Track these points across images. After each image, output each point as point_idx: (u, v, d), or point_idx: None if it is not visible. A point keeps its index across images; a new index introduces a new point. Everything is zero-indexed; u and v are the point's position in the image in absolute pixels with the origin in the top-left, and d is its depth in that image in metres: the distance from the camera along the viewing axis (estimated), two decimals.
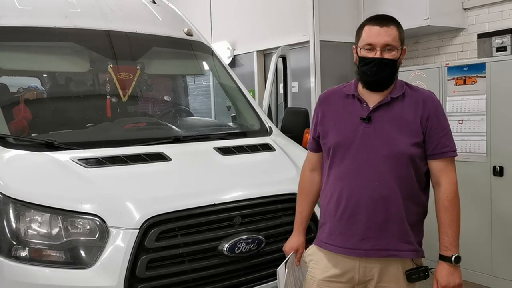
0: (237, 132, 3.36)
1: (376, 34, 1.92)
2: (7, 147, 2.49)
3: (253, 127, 3.46)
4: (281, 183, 2.67)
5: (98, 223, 2.15)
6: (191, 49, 3.84)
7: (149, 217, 2.17)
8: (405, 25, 4.90)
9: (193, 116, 3.95)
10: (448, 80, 4.31)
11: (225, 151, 2.82)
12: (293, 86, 5.45)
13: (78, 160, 2.43)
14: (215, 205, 2.35)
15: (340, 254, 2.00)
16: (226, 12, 6.40)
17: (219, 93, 3.86)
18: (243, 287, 2.37)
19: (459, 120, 4.23)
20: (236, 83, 3.85)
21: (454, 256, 1.92)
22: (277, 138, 3.29)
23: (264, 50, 5.93)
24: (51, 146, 2.55)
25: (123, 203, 2.21)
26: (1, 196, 2.22)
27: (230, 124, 3.62)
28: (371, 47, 1.94)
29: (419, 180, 1.98)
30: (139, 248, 2.13)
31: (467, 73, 4.17)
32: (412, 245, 1.97)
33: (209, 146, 2.86)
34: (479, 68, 4.10)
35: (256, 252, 2.39)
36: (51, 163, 2.41)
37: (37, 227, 2.17)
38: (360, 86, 2.03)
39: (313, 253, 2.12)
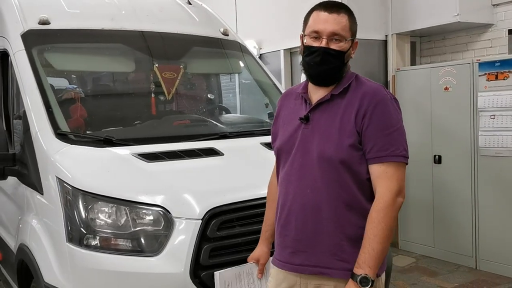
0: None
1: (323, 21, 1.74)
2: (70, 143, 2.63)
3: None
4: None
5: (163, 213, 2.27)
6: (228, 48, 3.97)
7: (210, 208, 2.29)
8: (434, 22, 5.02)
9: (233, 113, 4.08)
10: (480, 75, 4.37)
11: (271, 146, 2.93)
12: None
13: (138, 155, 2.57)
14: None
15: (276, 268, 1.87)
16: (252, 11, 6.50)
17: (257, 90, 3.97)
18: None
19: (491, 116, 4.29)
20: (273, 80, 3.97)
21: (360, 277, 1.64)
22: None
23: (290, 49, 6.02)
24: (109, 142, 2.69)
25: (185, 195, 2.34)
26: (70, 188, 2.37)
27: (269, 120, 3.73)
28: (317, 35, 1.74)
29: (361, 188, 1.73)
30: (202, 237, 2.25)
31: (499, 68, 4.23)
32: (349, 263, 1.70)
33: (256, 141, 2.99)
34: (511, 63, 4.16)
35: None
36: (114, 157, 2.56)
37: (105, 217, 2.31)
38: (310, 83, 1.86)
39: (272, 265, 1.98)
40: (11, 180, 2.95)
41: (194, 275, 2.21)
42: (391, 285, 3.86)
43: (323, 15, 1.75)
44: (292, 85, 6.00)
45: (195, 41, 3.77)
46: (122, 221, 2.29)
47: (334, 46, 1.73)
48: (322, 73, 1.77)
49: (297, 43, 5.84)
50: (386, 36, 5.45)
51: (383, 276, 1.83)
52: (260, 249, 2.12)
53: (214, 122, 3.39)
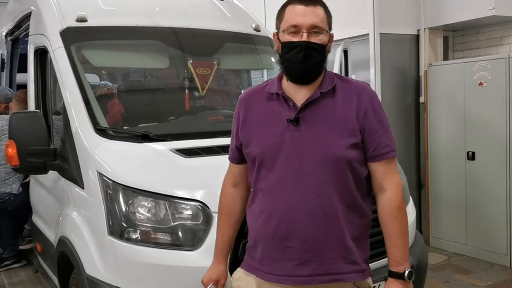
0: None
1: (301, 14, 1.65)
2: (109, 139, 2.69)
3: None
4: None
5: (202, 208, 2.30)
6: (260, 44, 3.98)
7: None
8: (468, 16, 4.92)
9: None
10: None
11: None
12: None
13: (176, 150, 2.60)
14: None
15: (273, 283, 1.72)
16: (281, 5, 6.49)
17: None
18: None
19: None
20: None
21: (407, 272, 1.66)
22: None
23: None
24: (146, 138, 2.74)
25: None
26: (111, 182, 2.42)
27: None
28: (296, 29, 1.65)
29: (359, 187, 1.71)
30: (240, 233, 2.26)
31: None
32: (358, 265, 1.70)
33: None
34: None
35: None
36: (153, 153, 2.60)
37: (145, 211, 2.35)
38: (284, 82, 1.74)
39: (240, 278, 1.86)
40: (51, 174, 3.03)
41: (232, 269, 2.23)
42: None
43: (299, 8, 1.66)
44: None
45: (228, 37, 3.79)
46: (162, 215, 2.33)
47: (315, 39, 1.66)
48: (306, 69, 1.67)
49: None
50: (418, 30, 5.37)
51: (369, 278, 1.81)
52: (218, 269, 1.94)
53: None
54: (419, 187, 5.45)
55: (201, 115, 3.32)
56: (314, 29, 1.66)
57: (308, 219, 1.65)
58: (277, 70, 4.24)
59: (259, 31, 4.02)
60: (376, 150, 1.69)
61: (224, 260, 1.95)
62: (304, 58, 1.65)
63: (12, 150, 2.78)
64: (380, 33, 5.19)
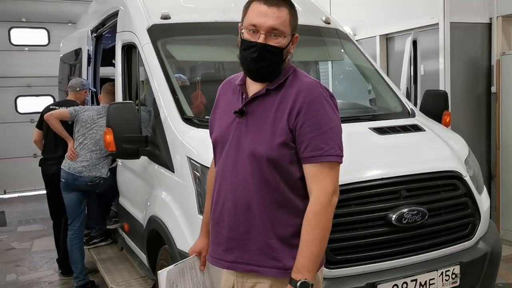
0: (382, 113, 3.55)
1: (262, 15, 1.65)
2: (195, 127, 2.92)
3: (395, 109, 3.62)
4: (439, 161, 2.83)
5: None
6: (330, 36, 4.09)
7: None
8: None
9: (337, 99, 4.19)
10: None
11: (380, 131, 3.02)
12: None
13: None
14: (383, 179, 2.57)
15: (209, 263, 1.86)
16: None
17: (359, 77, 4.06)
18: (406, 255, 2.58)
19: None
20: (375, 67, 4.03)
21: (300, 282, 1.61)
22: (422, 119, 3.43)
23: (387, 35, 5.97)
24: None
25: None
26: (199, 165, 2.65)
27: (373, 106, 3.81)
28: (255, 29, 1.67)
29: (293, 187, 1.70)
30: None
31: None
32: (280, 262, 1.70)
33: (364, 126, 3.09)
34: None
35: (420, 223, 2.58)
36: None
37: None
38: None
39: None
40: (140, 159, 3.32)
41: None
42: None
43: (262, 8, 1.66)
44: (388, 71, 5.97)
45: (299, 30, 3.91)
46: None
47: (272, 42, 1.66)
48: (259, 69, 1.70)
49: (393, 28, 5.85)
50: (491, 18, 5.24)
51: (321, 269, 1.84)
52: (202, 241, 2.02)
53: None
54: (489, 179, 5.35)
55: None
56: (273, 32, 1.66)
57: (234, 209, 1.72)
58: (346, 61, 4.32)
59: (329, 23, 4.12)
60: (305, 151, 1.66)
61: (207, 234, 1.97)
62: (258, 59, 1.66)
63: (109, 137, 3.09)
64: (451, 22, 5.12)
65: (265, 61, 1.67)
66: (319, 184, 1.65)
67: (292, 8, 1.73)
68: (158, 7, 3.61)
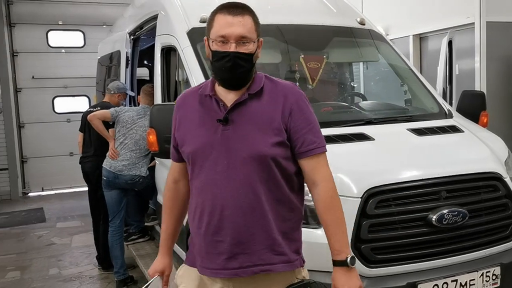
0: (419, 114, 3.56)
1: (229, 25, 1.72)
2: None
3: (432, 110, 3.63)
4: (479, 162, 2.84)
5: None
6: (365, 37, 4.11)
7: (369, 187, 2.50)
8: None
9: (372, 100, 4.23)
10: None
11: (418, 132, 3.05)
12: None
13: None
14: (423, 180, 2.60)
15: (208, 276, 1.82)
16: None
17: (394, 77, 4.07)
18: (447, 255, 2.60)
19: None
20: (410, 67, 4.04)
21: (349, 258, 1.75)
22: (459, 120, 3.43)
23: (420, 34, 5.94)
24: None
25: (346, 175, 2.56)
26: None
27: (409, 107, 3.82)
28: (224, 39, 1.73)
29: (289, 182, 1.80)
30: (362, 214, 2.47)
31: None
32: (286, 255, 1.78)
33: (402, 127, 3.12)
34: None
35: (460, 224, 2.60)
36: None
37: None
38: (217, 85, 1.83)
39: (184, 274, 1.94)
40: None
41: (354, 247, 2.44)
42: None
43: (228, 18, 1.72)
44: (421, 71, 5.93)
45: (335, 31, 3.97)
46: None
47: (242, 49, 1.73)
48: (235, 77, 1.76)
49: (427, 28, 5.83)
50: None
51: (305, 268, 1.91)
52: (163, 261, 2.01)
53: (358, 109, 3.57)
54: None
55: (313, 106, 3.52)
56: (241, 39, 1.73)
57: (237, 214, 1.73)
58: (382, 62, 4.34)
59: (363, 24, 4.15)
60: (303, 146, 1.77)
61: (169, 252, 2.01)
62: (233, 68, 1.73)
63: (153, 137, 3.19)
64: (487, 22, 5.07)
65: (239, 68, 1.74)
66: (322, 173, 1.80)
67: (254, 15, 1.81)
68: (197, 11, 3.70)
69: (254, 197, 1.74)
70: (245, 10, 1.78)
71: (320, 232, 2.48)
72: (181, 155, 1.90)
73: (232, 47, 1.72)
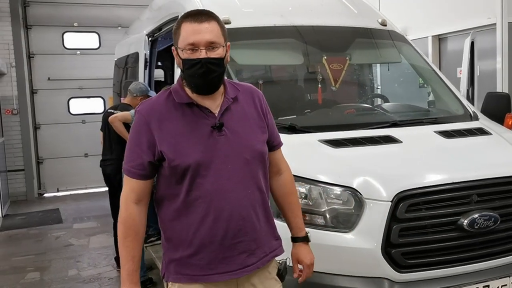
0: (444, 116, 3.51)
1: (196, 32, 1.74)
2: None
3: (457, 112, 3.58)
4: (509, 165, 2.77)
5: (354, 195, 2.50)
6: (387, 38, 4.07)
7: (399, 191, 2.46)
8: None
9: (395, 102, 4.18)
10: None
11: (446, 134, 3.00)
12: None
13: (324, 141, 2.82)
14: (453, 183, 2.55)
15: (221, 282, 1.82)
16: None
17: (417, 79, 4.03)
18: (478, 260, 2.55)
19: None
20: (434, 69, 3.99)
21: (308, 234, 2.10)
22: (486, 122, 3.38)
23: (439, 35, 5.89)
24: (292, 129, 2.99)
25: (375, 178, 2.53)
26: None
27: (433, 109, 3.77)
28: (193, 46, 1.75)
29: (265, 173, 1.96)
30: (392, 218, 2.44)
31: None
32: (280, 239, 2.00)
33: (429, 129, 3.08)
34: None
35: (492, 229, 2.55)
36: (303, 143, 2.85)
37: (301, 196, 2.59)
38: (189, 92, 1.83)
39: None
40: None
41: (385, 251, 2.41)
42: None
43: (194, 26, 1.75)
44: (441, 71, 5.87)
45: (356, 32, 3.93)
46: (317, 200, 2.56)
47: (213, 54, 1.76)
48: (209, 82, 1.78)
49: (447, 29, 5.76)
50: None
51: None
52: None
53: (382, 111, 3.53)
54: None
55: (336, 108, 3.51)
56: (210, 45, 1.76)
57: (251, 212, 1.84)
58: (404, 63, 4.29)
59: (385, 25, 4.11)
60: (275, 141, 2.03)
61: (139, 282, 1.88)
62: (206, 73, 1.75)
63: None
64: (509, 22, 5.00)
65: (212, 73, 1.77)
66: (285, 163, 2.10)
67: (219, 20, 1.84)
68: (218, 13, 3.63)
69: (259, 193, 1.88)
70: (210, 16, 1.81)
71: (350, 236, 2.47)
72: (154, 172, 1.83)
73: (202, 54, 1.75)
